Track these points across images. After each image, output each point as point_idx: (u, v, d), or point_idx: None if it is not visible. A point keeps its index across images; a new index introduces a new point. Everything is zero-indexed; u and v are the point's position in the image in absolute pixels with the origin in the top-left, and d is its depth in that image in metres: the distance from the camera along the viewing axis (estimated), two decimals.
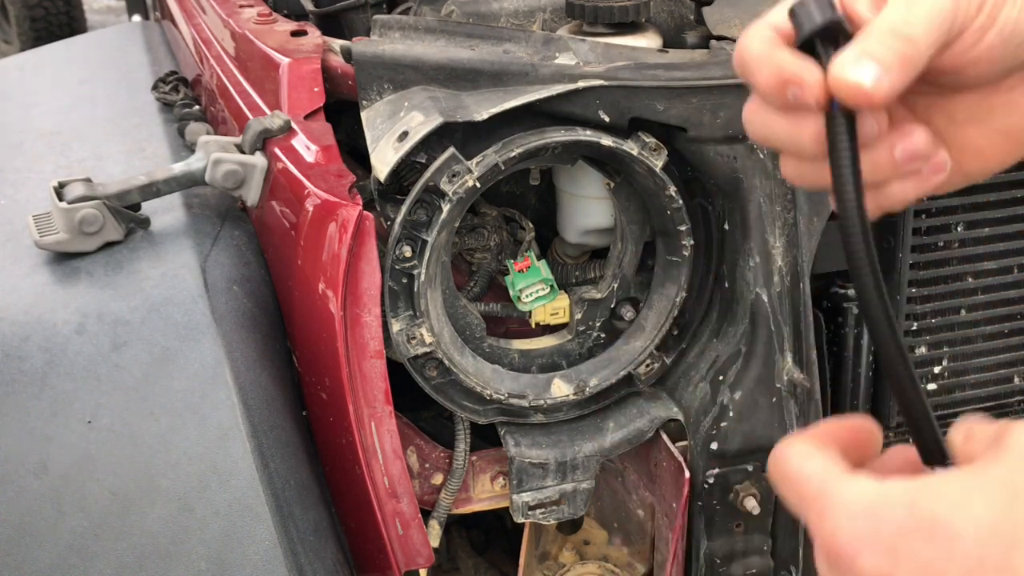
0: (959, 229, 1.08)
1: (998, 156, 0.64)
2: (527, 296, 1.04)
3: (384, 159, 0.89)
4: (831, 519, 0.53)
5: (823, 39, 0.54)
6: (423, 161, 0.91)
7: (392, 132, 0.90)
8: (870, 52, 0.52)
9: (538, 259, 1.05)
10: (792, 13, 0.55)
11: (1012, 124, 0.63)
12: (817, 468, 0.56)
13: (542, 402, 1.05)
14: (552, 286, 1.05)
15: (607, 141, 0.93)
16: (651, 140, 0.95)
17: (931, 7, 0.54)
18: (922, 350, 1.10)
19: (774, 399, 1.04)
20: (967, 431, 0.54)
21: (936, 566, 0.49)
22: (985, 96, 0.62)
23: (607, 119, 0.93)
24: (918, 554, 0.49)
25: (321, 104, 1.03)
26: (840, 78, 0.52)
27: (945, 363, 1.11)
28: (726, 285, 1.04)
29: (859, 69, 0.52)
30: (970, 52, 0.58)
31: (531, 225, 1.08)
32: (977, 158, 0.64)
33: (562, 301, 1.06)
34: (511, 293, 1.05)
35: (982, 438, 0.53)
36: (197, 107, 1.40)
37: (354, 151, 1.12)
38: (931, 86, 0.60)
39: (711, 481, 1.07)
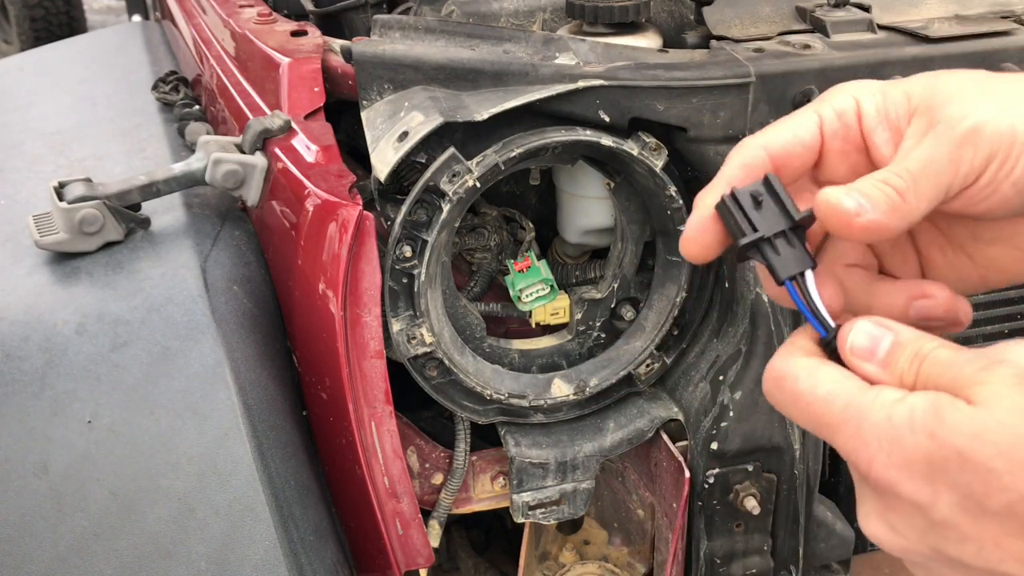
0: None
1: (1021, 272, 0.64)
2: (527, 296, 1.04)
3: (384, 159, 0.89)
4: (865, 446, 0.52)
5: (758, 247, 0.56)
6: (423, 161, 0.91)
7: (392, 132, 0.90)
8: (860, 188, 0.54)
9: (538, 259, 1.05)
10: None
11: None
12: (835, 386, 0.54)
13: (542, 402, 1.05)
14: (552, 286, 1.05)
15: (607, 141, 0.93)
16: (651, 140, 0.95)
17: (926, 171, 0.55)
18: None
19: None
20: (916, 352, 0.54)
21: (977, 498, 0.49)
22: (1011, 221, 0.61)
23: (607, 119, 0.93)
24: (956, 484, 0.50)
25: (321, 104, 1.03)
26: (826, 201, 0.53)
27: None
28: (726, 285, 1.04)
29: (846, 197, 0.53)
30: (981, 204, 0.58)
31: (531, 225, 1.08)
32: (1000, 273, 0.65)
33: (562, 301, 1.06)
34: (511, 293, 1.05)
35: (949, 359, 0.53)
36: (197, 107, 1.40)
37: (354, 151, 1.12)
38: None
39: (711, 481, 1.07)
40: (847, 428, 0.54)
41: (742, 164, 0.59)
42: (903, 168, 0.56)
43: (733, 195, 0.57)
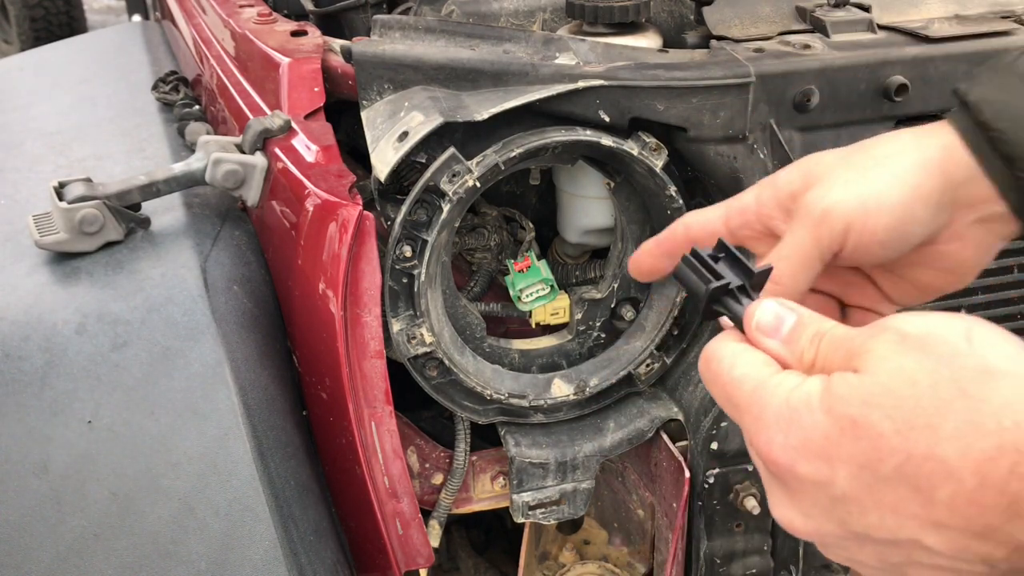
0: None
1: (951, 283, 0.73)
2: (527, 296, 1.04)
3: (384, 159, 0.89)
4: (764, 429, 0.55)
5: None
6: (423, 161, 0.91)
7: (392, 132, 0.90)
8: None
9: (538, 259, 1.05)
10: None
11: (953, 264, 0.71)
12: (749, 369, 0.57)
13: (542, 402, 1.05)
14: (552, 286, 1.05)
15: (607, 141, 0.93)
16: (651, 140, 0.95)
17: (795, 255, 0.67)
18: None
19: None
20: (817, 331, 0.57)
21: (870, 465, 0.50)
22: (917, 251, 0.70)
23: (607, 119, 0.93)
24: (851, 455, 0.51)
25: (321, 104, 1.03)
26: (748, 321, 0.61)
27: None
28: None
29: (760, 308, 0.60)
30: (861, 259, 0.69)
31: (531, 225, 1.08)
32: (930, 289, 0.73)
33: (562, 301, 1.06)
34: (511, 293, 1.05)
35: (841, 335, 0.56)
36: (197, 107, 1.40)
37: (354, 151, 1.12)
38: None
39: (711, 481, 1.07)
40: (751, 410, 0.56)
41: (669, 232, 0.75)
42: (778, 256, 0.67)
43: (694, 252, 0.62)
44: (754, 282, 0.61)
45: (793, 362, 0.57)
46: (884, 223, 0.65)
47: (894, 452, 0.49)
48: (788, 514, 0.56)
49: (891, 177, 0.66)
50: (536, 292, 1.04)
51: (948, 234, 0.69)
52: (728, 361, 0.59)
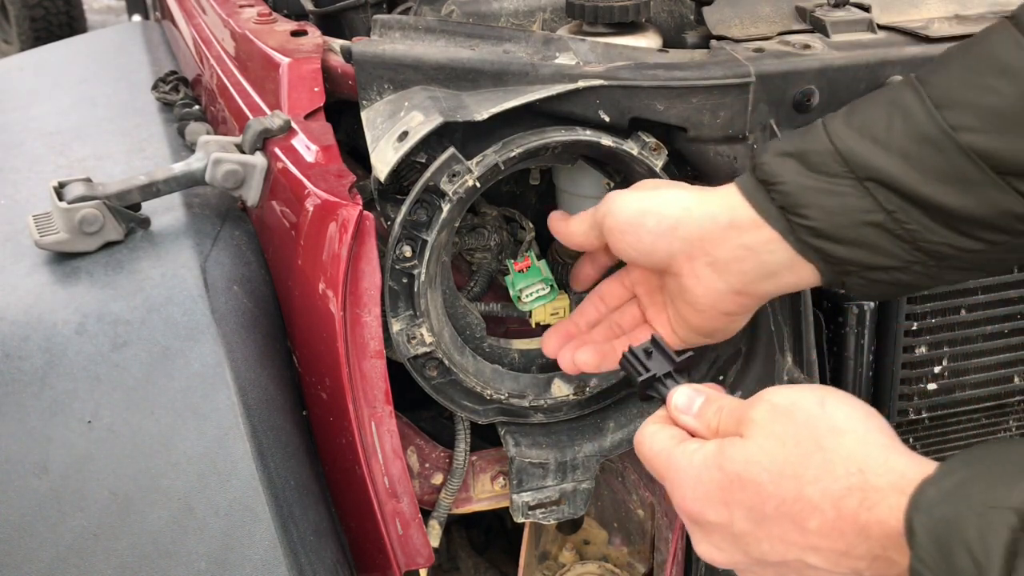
0: None
1: (704, 322, 0.89)
2: (527, 296, 1.04)
3: (384, 159, 0.89)
4: (678, 488, 0.71)
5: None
6: (423, 161, 0.91)
7: (392, 132, 0.90)
8: None
9: (538, 259, 1.05)
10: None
11: (693, 299, 0.87)
12: (663, 443, 0.74)
13: (542, 402, 1.05)
14: (552, 286, 1.05)
15: (607, 141, 0.93)
16: (651, 140, 0.95)
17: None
18: (922, 350, 1.10)
19: None
20: (719, 406, 0.74)
21: (756, 508, 0.66)
22: (674, 280, 0.88)
23: (607, 119, 0.93)
24: (741, 502, 0.67)
25: (321, 104, 1.03)
26: None
27: (945, 363, 1.11)
28: None
29: (676, 393, 0.79)
30: (619, 246, 0.89)
31: (531, 225, 1.08)
32: (696, 327, 0.90)
33: (562, 301, 1.06)
34: (511, 293, 1.05)
35: (734, 407, 0.73)
36: (197, 107, 1.40)
37: (354, 151, 1.12)
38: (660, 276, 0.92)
39: None
40: (668, 475, 0.73)
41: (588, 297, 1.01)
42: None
43: (631, 349, 0.81)
44: (677, 367, 0.80)
45: (703, 431, 0.74)
46: (647, 227, 0.85)
47: (771, 497, 0.65)
48: (707, 550, 0.72)
49: (663, 195, 0.86)
50: (536, 292, 1.04)
51: (688, 269, 0.85)
52: (648, 440, 0.76)
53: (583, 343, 0.96)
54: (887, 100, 0.79)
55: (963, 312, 1.10)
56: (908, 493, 0.59)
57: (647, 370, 0.79)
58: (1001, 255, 0.79)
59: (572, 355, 0.95)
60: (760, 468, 0.66)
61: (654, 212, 0.85)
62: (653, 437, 0.75)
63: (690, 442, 0.72)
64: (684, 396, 0.76)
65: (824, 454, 0.64)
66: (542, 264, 1.05)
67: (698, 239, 0.83)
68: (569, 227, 0.94)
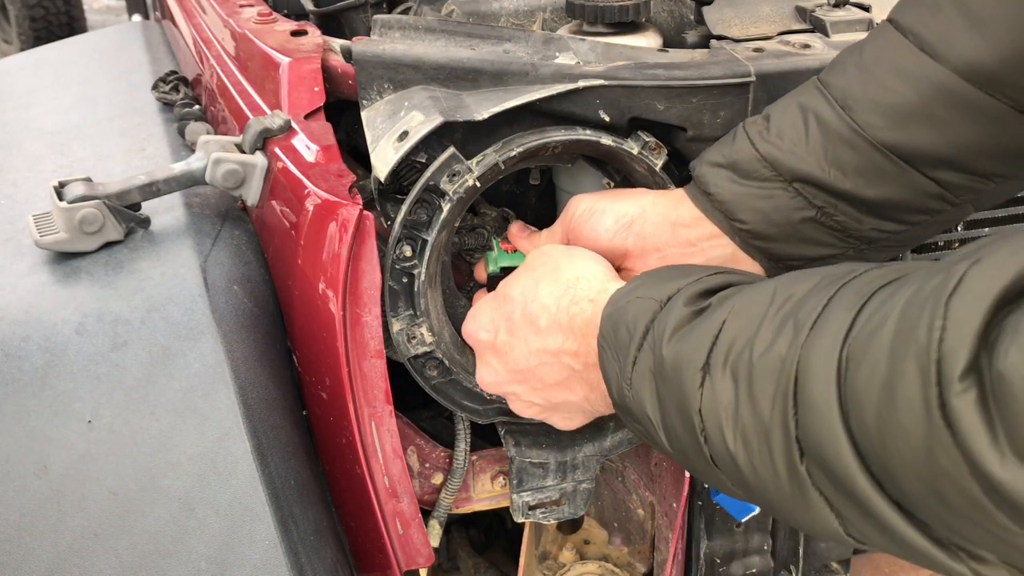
0: (959, 229, 1.09)
1: None
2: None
3: (384, 159, 0.89)
4: (468, 319, 0.93)
5: None
6: (423, 161, 0.91)
7: (392, 132, 0.90)
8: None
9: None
10: None
11: None
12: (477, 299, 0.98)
13: None
14: None
15: (607, 140, 0.93)
16: (651, 139, 0.95)
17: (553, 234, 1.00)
18: None
19: None
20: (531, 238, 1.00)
21: (509, 317, 0.86)
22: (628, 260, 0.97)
23: (607, 119, 0.93)
24: (501, 316, 0.87)
25: (321, 104, 1.03)
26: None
27: None
28: None
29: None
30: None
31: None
32: None
33: None
34: (489, 268, 1.04)
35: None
36: (197, 107, 1.40)
37: (354, 151, 1.12)
38: None
39: None
40: (471, 312, 0.94)
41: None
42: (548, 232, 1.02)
43: None
44: None
45: None
46: (603, 227, 0.93)
47: (517, 304, 0.85)
48: (482, 374, 0.92)
49: (619, 204, 0.93)
50: None
51: (641, 264, 0.92)
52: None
53: None
54: (799, 105, 0.85)
55: None
56: (607, 295, 0.78)
57: None
58: (921, 232, 0.87)
59: None
60: (514, 285, 0.87)
61: (612, 211, 0.93)
62: (478, 295, 0.98)
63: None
64: (518, 225, 1.03)
65: (558, 271, 0.85)
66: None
67: (650, 235, 0.91)
68: (539, 240, 1.01)
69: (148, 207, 1.03)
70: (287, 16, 1.33)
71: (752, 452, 0.60)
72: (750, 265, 0.90)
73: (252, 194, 1.02)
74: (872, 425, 0.51)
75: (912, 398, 0.48)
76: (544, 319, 0.82)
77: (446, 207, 0.91)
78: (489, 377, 0.89)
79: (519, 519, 1.08)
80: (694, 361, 0.65)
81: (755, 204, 0.86)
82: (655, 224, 0.91)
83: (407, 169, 0.93)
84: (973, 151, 0.79)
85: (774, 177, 0.85)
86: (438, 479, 1.09)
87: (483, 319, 0.89)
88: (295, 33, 1.17)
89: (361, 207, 0.89)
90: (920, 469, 0.49)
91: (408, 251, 0.93)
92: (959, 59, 0.76)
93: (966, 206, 0.85)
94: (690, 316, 0.68)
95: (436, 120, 0.87)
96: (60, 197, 0.96)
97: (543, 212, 1.12)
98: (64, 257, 0.96)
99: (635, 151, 0.94)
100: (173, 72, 1.56)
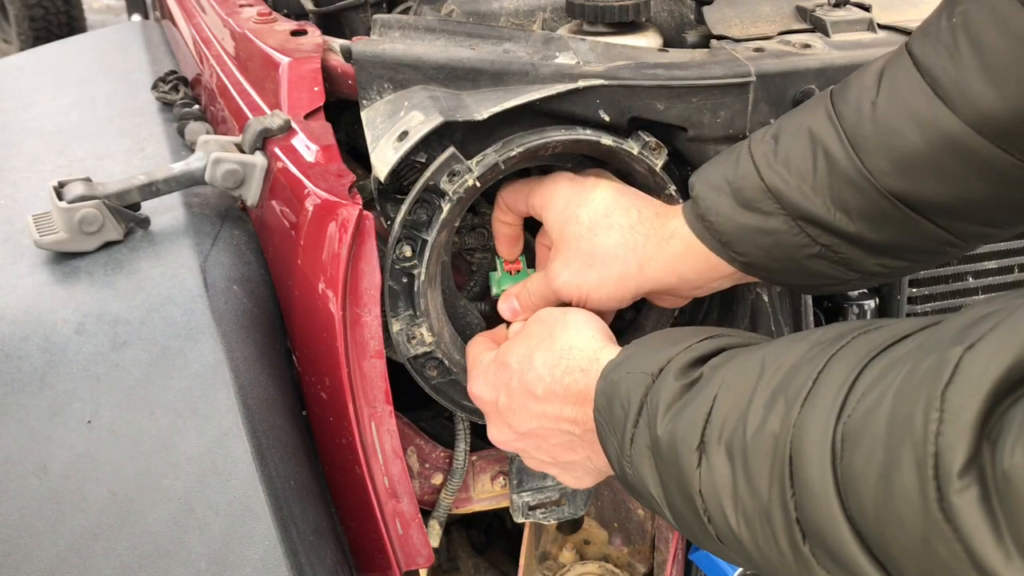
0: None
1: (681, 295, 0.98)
2: None
3: (384, 159, 0.89)
4: (471, 379, 0.93)
5: None
6: (423, 160, 0.91)
7: (392, 132, 0.90)
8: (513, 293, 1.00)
9: (528, 267, 1.05)
10: None
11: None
12: (474, 347, 0.96)
13: None
14: None
15: (607, 140, 0.93)
16: (651, 139, 0.95)
17: (532, 295, 0.97)
18: None
19: None
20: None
21: (508, 384, 0.86)
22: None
23: (607, 118, 0.93)
24: (500, 382, 0.87)
25: (321, 104, 1.03)
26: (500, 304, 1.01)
27: None
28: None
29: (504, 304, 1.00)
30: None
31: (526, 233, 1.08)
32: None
33: None
34: (493, 291, 1.04)
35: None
36: (197, 106, 1.40)
37: (354, 151, 1.12)
38: None
39: None
40: (470, 371, 0.94)
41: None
42: (524, 290, 0.98)
43: None
44: None
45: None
46: (597, 300, 0.91)
47: (515, 372, 0.85)
48: (492, 433, 0.91)
49: (609, 274, 0.90)
50: None
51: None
52: (469, 344, 0.98)
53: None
54: (810, 133, 0.82)
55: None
56: (599, 366, 0.78)
57: None
58: (928, 263, 0.87)
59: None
60: (511, 353, 0.87)
61: (605, 286, 0.92)
62: (472, 342, 0.97)
63: (492, 351, 0.92)
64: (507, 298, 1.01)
65: (552, 340, 0.84)
66: (531, 272, 1.04)
67: (653, 279, 0.91)
68: (528, 297, 0.99)
69: (148, 207, 1.03)
70: (287, 16, 1.33)
71: (756, 533, 0.59)
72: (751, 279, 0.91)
73: (252, 194, 1.02)
74: (870, 510, 0.51)
75: (909, 488, 0.47)
76: (540, 388, 0.82)
77: (446, 207, 0.91)
78: (497, 436, 0.90)
79: (519, 519, 1.08)
80: (689, 440, 0.64)
81: (756, 240, 0.84)
82: (655, 280, 0.91)
83: (407, 169, 0.93)
84: (982, 204, 0.77)
85: (778, 211, 0.83)
86: (438, 479, 1.09)
87: (485, 383, 0.90)
88: (295, 33, 1.17)
89: (361, 207, 0.89)
90: (919, 559, 0.48)
91: (408, 251, 0.93)
92: (972, 109, 0.74)
93: (976, 243, 0.84)
94: (682, 390, 0.67)
95: (436, 120, 0.87)
96: (60, 197, 0.96)
97: None
98: (64, 257, 0.96)
99: (635, 151, 0.94)
100: (173, 72, 1.56)
